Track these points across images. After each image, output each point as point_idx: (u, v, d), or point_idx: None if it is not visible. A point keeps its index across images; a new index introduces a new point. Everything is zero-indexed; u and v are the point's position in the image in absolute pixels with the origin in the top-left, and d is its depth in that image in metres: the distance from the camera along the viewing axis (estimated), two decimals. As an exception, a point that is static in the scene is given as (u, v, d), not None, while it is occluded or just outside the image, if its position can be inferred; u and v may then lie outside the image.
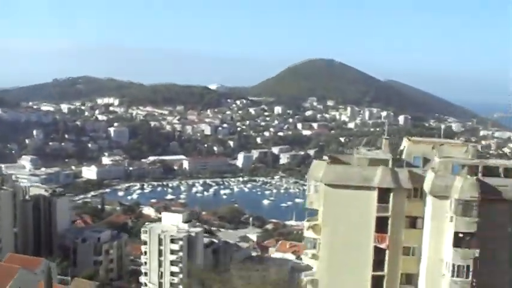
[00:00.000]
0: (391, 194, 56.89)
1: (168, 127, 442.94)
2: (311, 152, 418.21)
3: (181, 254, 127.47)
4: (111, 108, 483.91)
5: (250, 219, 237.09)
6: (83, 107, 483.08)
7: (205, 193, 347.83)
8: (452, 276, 54.23)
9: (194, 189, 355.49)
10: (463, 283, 54.22)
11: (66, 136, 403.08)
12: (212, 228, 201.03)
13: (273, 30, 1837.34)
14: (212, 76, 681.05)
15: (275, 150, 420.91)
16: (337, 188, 58.18)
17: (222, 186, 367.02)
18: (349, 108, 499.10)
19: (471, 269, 54.17)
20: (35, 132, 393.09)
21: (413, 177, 57.27)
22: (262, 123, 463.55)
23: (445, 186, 54.29)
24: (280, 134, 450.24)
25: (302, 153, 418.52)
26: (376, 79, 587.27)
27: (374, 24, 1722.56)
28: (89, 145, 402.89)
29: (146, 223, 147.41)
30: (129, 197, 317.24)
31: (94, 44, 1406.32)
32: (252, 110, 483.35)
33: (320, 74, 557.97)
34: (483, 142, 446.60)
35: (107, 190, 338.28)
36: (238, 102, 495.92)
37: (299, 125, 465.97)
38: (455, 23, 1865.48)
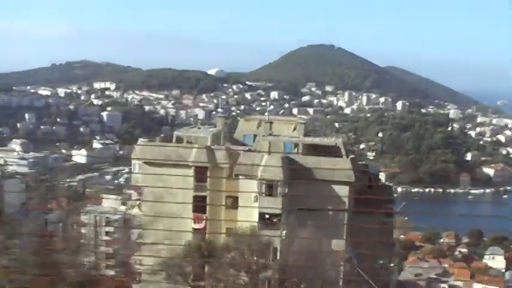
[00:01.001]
0: (208, 173, 55.85)
1: (162, 111, 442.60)
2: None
3: (116, 235, 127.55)
4: (107, 93, 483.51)
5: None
6: (79, 91, 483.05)
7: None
8: (260, 258, 53.37)
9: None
10: (272, 266, 53.42)
11: (58, 120, 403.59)
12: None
13: (274, 15, 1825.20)
14: (212, 61, 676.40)
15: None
16: (156, 166, 57.32)
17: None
18: (346, 94, 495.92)
19: (278, 250, 53.27)
20: (27, 116, 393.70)
21: (231, 156, 56.25)
22: (258, 108, 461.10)
23: (251, 166, 53.31)
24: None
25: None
26: (376, 65, 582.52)
27: (375, 9, 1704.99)
28: (81, 129, 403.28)
29: (88, 205, 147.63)
30: (115, 181, 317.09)
31: (94, 28, 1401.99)
32: (248, 95, 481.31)
33: (319, 59, 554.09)
34: (478, 129, 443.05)
35: (95, 174, 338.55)
36: (234, 87, 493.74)
37: (295, 110, 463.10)
38: (458, 9, 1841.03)
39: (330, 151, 56.17)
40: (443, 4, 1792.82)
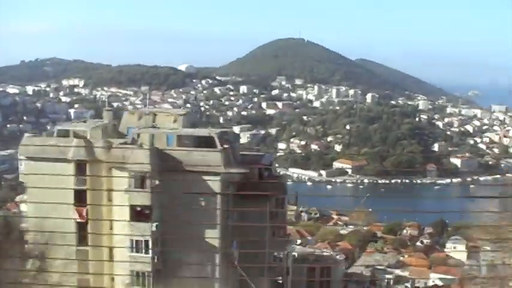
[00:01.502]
0: (87, 166, 55.01)
1: (130, 108, 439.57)
2: (273, 131, 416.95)
3: None
4: (75, 90, 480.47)
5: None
6: (47, 89, 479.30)
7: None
8: (132, 252, 52.62)
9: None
10: (144, 259, 52.65)
11: (25, 118, 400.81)
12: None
13: (244, 9, 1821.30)
14: (182, 57, 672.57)
15: (236, 129, 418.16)
16: (38, 161, 56.54)
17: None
18: (316, 87, 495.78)
19: (151, 244, 52.47)
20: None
21: (109, 150, 55.90)
22: (227, 103, 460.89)
23: (122, 157, 52.63)
24: (244, 113, 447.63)
25: (263, 132, 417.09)
26: (347, 58, 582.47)
27: (346, 2, 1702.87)
28: (48, 127, 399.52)
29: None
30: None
31: (64, 25, 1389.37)
32: (217, 90, 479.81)
33: (290, 53, 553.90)
34: (446, 119, 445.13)
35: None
36: (204, 82, 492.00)
37: (264, 104, 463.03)
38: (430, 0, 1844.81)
39: (207, 142, 55.33)
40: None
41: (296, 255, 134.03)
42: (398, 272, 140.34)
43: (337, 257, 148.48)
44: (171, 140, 56.03)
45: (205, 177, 52.97)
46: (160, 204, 52.73)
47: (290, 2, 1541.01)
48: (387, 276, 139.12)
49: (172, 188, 51.96)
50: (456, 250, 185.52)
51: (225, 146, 54.72)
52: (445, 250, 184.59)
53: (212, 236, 51.90)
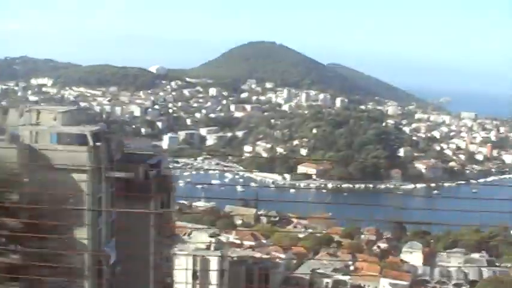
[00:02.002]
0: None
1: (97, 108, 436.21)
2: (239, 134, 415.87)
3: None
4: (44, 89, 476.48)
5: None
6: (16, 88, 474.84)
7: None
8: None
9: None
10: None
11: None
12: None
13: (218, 12, 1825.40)
14: (155, 59, 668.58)
15: (203, 131, 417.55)
16: None
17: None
18: (285, 91, 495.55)
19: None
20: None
21: None
22: (195, 105, 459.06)
23: None
24: (212, 115, 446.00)
25: (230, 134, 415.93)
26: (318, 62, 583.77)
27: (320, 7, 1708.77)
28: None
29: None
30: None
31: (36, 25, 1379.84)
32: (186, 92, 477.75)
33: (261, 56, 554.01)
34: (414, 125, 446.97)
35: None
36: (173, 83, 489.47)
37: (232, 107, 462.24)
38: (404, 7, 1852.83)
39: (81, 140, 53.26)
40: (389, 2, 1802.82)
41: (235, 258, 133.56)
42: (338, 276, 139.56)
43: (278, 260, 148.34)
44: (53, 138, 54.08)
45: (75, 175, 50.99)
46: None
47: (263, 5, 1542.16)
48: (326, 280, 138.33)
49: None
50: (412, 255, 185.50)
51: (98, 144, 52.83)
52: (402, 255, 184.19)
53: (81, 236, 50.01)
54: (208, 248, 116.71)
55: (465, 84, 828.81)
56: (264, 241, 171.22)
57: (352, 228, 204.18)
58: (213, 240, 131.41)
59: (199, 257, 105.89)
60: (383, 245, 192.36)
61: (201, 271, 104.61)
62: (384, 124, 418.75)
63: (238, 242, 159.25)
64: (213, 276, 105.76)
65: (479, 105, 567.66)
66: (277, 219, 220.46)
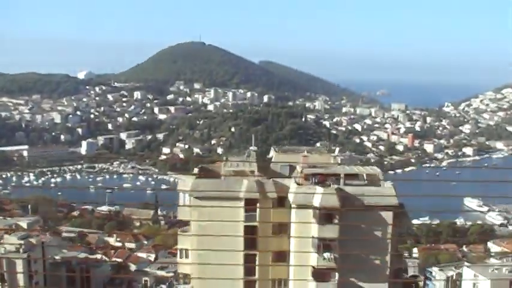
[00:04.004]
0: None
1: (17, 117, 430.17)
2: (160, 136, 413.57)
3: None
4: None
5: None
6: None
7: (35, 183, 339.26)
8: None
9: (26, 179, 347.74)
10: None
11: None
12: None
13: (147, 14, 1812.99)
14: (83, 64, 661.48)
15: (123, 135, 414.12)
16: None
17: (55, 175, 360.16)
18: (212, 91, 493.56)
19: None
20: None
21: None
22: (118, 109, 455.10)
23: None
24: (135, 119, 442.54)
25: (150, 137, 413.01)
26: (248, 61, 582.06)
27: (252, 6, 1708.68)
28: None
29: None
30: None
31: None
32: (110, 97, 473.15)
33: (190, 57, 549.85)
34: (336, 119, 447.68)
35: None
36: (97, 88, 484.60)
37: (156, 110, 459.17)
38: (337, 3, 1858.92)
39: None
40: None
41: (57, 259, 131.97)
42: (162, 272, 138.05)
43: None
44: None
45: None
46: None
47: (194, 6, 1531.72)
48: (144, 278, 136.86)
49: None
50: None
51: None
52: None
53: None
54: (17, 250, 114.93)
55: (403, 76, 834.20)
56: (146, 242, 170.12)
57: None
58: (22, 242, 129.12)
59: (4, 259, 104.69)
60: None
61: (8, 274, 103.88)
62: (303, 119, 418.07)
63: (119, 244, 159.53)
64: (21, 279, 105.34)
65: (414, 96, 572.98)
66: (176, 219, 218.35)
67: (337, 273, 56.67)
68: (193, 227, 60.08)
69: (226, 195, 58.36)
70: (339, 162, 67.03)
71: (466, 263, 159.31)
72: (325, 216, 55.53)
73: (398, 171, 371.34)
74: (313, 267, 56.24)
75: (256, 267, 59.98)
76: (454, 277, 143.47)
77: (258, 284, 59.88)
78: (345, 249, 55.64)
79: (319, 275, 56.46)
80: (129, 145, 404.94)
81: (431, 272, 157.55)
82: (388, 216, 57.05)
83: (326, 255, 55.72)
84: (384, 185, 60.00)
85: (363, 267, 56.43)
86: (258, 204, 58.75)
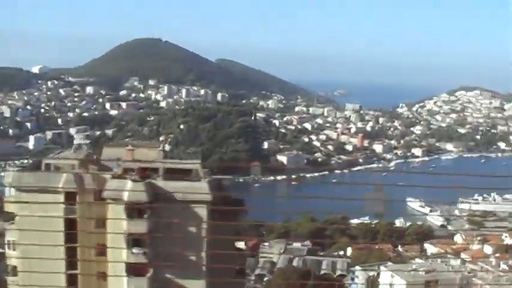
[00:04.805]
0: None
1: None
2: (109, 132, 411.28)
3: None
4: None
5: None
6: None
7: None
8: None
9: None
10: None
11: None
12: None
13: (104, 9, 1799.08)
14: (39, 58, 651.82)
15: (72, 131, 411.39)
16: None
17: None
18: (165, 87, 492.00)
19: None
20: None
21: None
22: (69, 104, 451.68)
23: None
24: (85, 114, 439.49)
25: (99, 133, 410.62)
26: (204, 58, 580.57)
27: (213, 5, 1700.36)
28: None
29: None
30: None
31: None
32: (62, 91, 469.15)
33: (146, 53, 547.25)
34: (285, 118, 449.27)
35: None
36: (49, 83, 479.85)
37: (108, 105, 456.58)
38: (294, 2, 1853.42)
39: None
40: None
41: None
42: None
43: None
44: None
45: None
46: None
47: (154, 2, 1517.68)
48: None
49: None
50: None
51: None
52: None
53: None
54: None
55: (366, 77, 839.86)
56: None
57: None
58: None
59: None
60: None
61: None
62: (253, 118, 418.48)
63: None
64: None
65: (373, 96, 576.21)
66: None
67: (151, 269, 56.68)
68: (16, 219, 59.94)
69: (46, 188, 57.75)
70: (162, 157, 66.82)
71: (389, 263, 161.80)
72: (136, 211, 55.60)
73: (346, 170, 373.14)
74: (126, 262, 56.24)
75: (78, 262, 59.16)
76: (375, 277, 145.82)
77: (81, 279, 59.13)
78: (159, 244, 55.99)
79: (133, 270, 56.32)
80: (77, 140, 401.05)
81: (354, 272, 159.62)
82: (203, 212, 57.54)
83: (135, 250, 55.89)
84: (203, 181, 59.71)
85: (178, 263, 56.47)
86: (77, 198, 58.14)
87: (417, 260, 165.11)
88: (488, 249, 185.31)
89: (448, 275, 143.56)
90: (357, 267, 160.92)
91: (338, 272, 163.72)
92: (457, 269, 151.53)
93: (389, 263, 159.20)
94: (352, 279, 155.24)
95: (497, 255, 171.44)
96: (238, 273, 62.87)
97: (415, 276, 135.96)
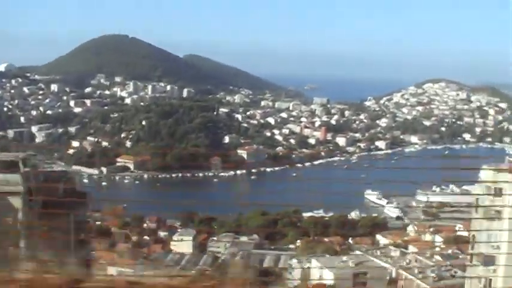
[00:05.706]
0: None
1: None
2: (72, 129, 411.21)
3: None
4: None
5: None
6: None
7: None
8: None
9: None
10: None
11: None
12: None
13: (71, 6, 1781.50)
14: (5, 56, 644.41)
15: (34, 129, 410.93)
16: None
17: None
18: (131, 84, 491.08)
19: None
20: None
21: None
22: (33, 102, 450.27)
23: None
24: (49, 112, 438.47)
25: (61, 130, 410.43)
26: (172, 54, 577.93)
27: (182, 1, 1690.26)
28: None
29: None
30: None
31: None
32: (26, 89, 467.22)
33: (113, 50, 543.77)
34: (250, 112, 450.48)
35: None
36: (13, 81, 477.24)
37: (72, 103, 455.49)
38: None
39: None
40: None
41: None
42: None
43: None
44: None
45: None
46: None
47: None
48: None
49: None
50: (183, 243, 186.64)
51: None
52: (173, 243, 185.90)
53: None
54: None
55: (337, 71, 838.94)
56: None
57: (134, 217, 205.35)
58: None
59: None
60: (164, 233, 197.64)
61: None
62: (215, 113, 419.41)
63: None
64: None
65: (343, 91, 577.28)
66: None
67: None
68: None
69: None
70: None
71: (322, 255, 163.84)
72: None
73: (307, 164, 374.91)
74: None
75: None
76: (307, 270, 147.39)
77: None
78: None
79: None
80: (39, 138, 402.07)
81: (291, 265, 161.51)
82: (17, 203, 58.44)
83: None
84: (14, 174, 59.60)
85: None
86: None
87: (357, 252, 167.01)
88: (439, 239, 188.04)
89: (376, 267, 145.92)
90: (294, 260, 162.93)
91: (280, 266, 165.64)
92: (394, 261, 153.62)
93: (327, 256, 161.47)
94: (290, 272, 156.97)
95: (442, 246, 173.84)
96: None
97: (343, 268, 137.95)
